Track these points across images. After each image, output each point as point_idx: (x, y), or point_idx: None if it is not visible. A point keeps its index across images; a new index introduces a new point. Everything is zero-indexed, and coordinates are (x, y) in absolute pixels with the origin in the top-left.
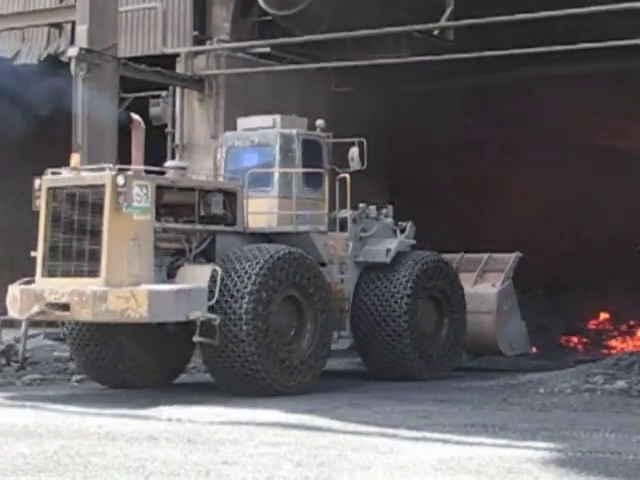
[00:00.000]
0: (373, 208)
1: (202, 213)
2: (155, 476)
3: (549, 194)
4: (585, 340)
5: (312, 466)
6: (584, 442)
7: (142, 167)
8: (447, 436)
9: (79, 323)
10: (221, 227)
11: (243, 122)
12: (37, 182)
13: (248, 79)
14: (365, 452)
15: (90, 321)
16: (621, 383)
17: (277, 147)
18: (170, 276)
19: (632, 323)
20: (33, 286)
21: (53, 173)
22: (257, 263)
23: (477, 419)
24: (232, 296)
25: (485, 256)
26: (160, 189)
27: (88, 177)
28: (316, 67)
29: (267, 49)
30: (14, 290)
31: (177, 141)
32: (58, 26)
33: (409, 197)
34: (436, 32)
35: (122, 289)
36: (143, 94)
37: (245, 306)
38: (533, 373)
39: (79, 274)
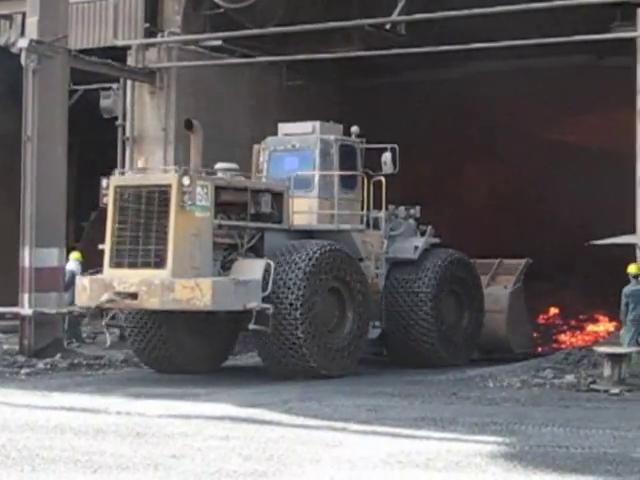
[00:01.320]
0: (402, 209)
1: (252, 211)
2: (103, 470)
3: (500, 188)
4: (535, 334)
5: (261, 460)
6: (532, 436)
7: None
8: (396, 430)
9: (138, 313)
10: (269, 224)
11: (284, 127)
12: (105, 181)
13: (199, 72)
14: (314, 446)
15: (157, 309)
16: (570, 377)
17: (317, 151)
18: (224, 269)
19: (582, 317)
20: (102, 276)
21: (120, 173)
22: (305, 258)
23: (426, 413)
24: (283, 287)
25: (496, 261)
26: (218, 189)
27: (155, 177)
28: (267, 60)
29: (219, 42)
30: (83, 280)
31: (128, 134)
32: (8, 17)
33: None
34: (388, 26)
35: (188, 280)
36: (94, 86)
37: (295, 296)
38: (483, 367)
39: (145, 265)
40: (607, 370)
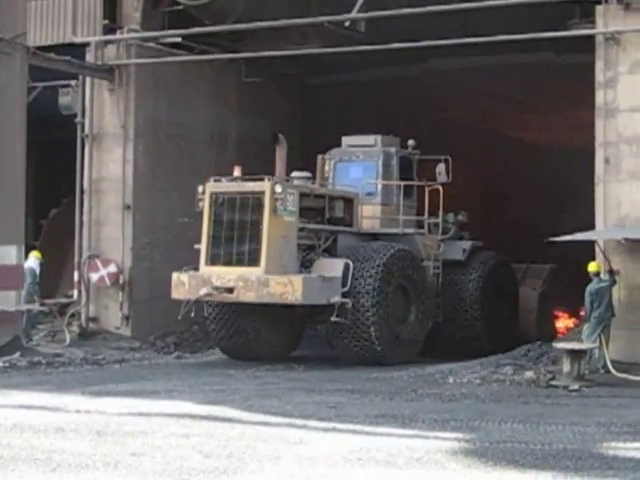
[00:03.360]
0: (451, 215)
1: (328, 216)
2: (63, 468)
3: (459, 184)
4: None
5: (221, 457)
6: (492, 432)
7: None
8: (357, 427)
9: (223, 307)
10: (342, 228)
11: (347, 140)
12: (200, 188)
13: (159, 69)
14: (274, 443)
15: (253, 302)
16: (529, 374)
17: (380, 162)
18: (303, 267)
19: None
20: (200, 272)
21: (215, 181)
22: (378, 258)
23: (387, 410)
24: (360, 284)
25: (524, 266)
26: (301, 195)
27: (249, 185)
28: (226, 58)
29: (178, 39)
30: (181, 276)
31: (87, 131)
32: None
33: None
34: (347, 23)
35: (281, 276)
36: (52, 83)
37: (370, 292)
38: (443, 364)
39: (240, 263)
40: (566, 366)
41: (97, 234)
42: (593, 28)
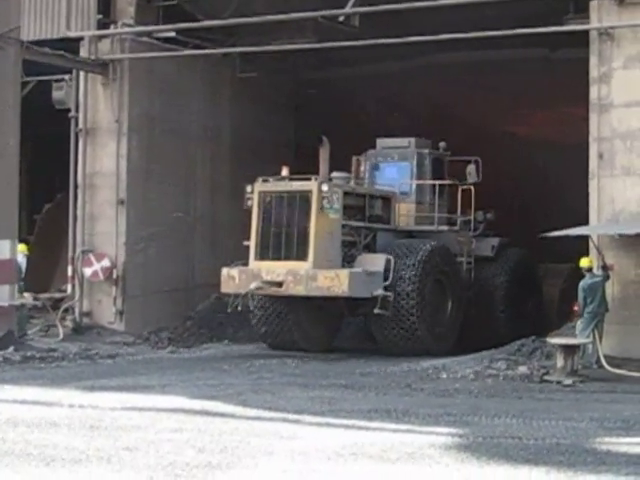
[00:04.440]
0: (480, 213)
1: (368, 214)
2: (57, 462)
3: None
4: None
5: (214, 452)
6: (486, 427)
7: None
8: (350, 422)
9: (267, 301)
10: (380, 225)
11: (382, 142)
12: (249, 187)
13: (153, 63)
14: (268, 438)
15: (302, 295)
16: (523, 369)
17: (414, 163)
18: (346, 262)
19: None
20: (249, 267)
21: (264, 181)
22: (418, 254)
23: (380, 405)
24: (400, 278)
25: (544, 265)
26: (345, 194)
27: (296, 184)
28: (220, 52)
29: (172, 34)
30: (231, 271)
31: (81, 125)
32: None
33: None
34: (341, 18)
35: (328, 270)
36: (46, 78)
37: (411, 286)
38: (436, 359)
39: (288, 258)
40: (560, 361)
41: (91, 229)
42: (587, 23)
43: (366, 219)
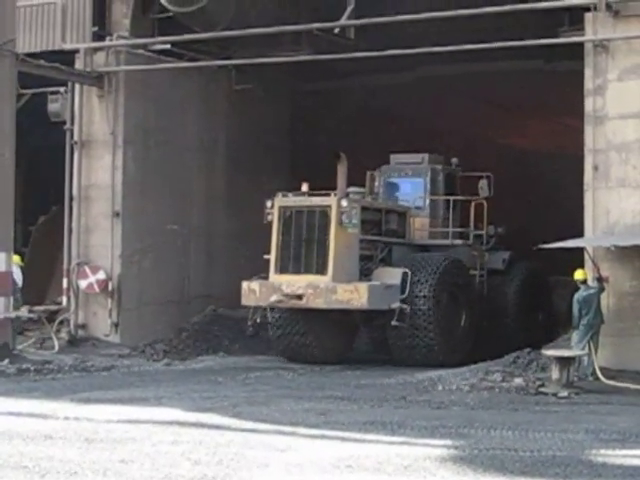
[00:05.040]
0: (491, 227)
1: (384, 228)
2: (52, 475)
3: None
4: None
5: (210, 464)
6: (481, 439)
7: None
8: (346, 434)
9: (285, 313)
10: (396, 239)
11: (395, 158)
12: (269, 202)
13: (148, 76)
14: (263, 450)
15: (322, 308)
16: (518, 381)
17: (427, 178)
18: (363, 275)
19: None
20: (270, 280)
21: (283, 196)
22: (434, 267)
23: (376, 417)
24: (417, 291)
25: (553, 278)
26: (362, 209)
27: (316, 200)
28: (216, 64)
29: (167, 46)
30: (252, 284)
31: (76, 137)
32: None
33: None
34: (337, 30)
35: (347, 284)
36: (41, 90)
37: (427, 298)
38: (432, 371)
39: (308, 272)
40: (555, 373)
41: (86, 241)
42: (582, 36)
43: (382, 233)
